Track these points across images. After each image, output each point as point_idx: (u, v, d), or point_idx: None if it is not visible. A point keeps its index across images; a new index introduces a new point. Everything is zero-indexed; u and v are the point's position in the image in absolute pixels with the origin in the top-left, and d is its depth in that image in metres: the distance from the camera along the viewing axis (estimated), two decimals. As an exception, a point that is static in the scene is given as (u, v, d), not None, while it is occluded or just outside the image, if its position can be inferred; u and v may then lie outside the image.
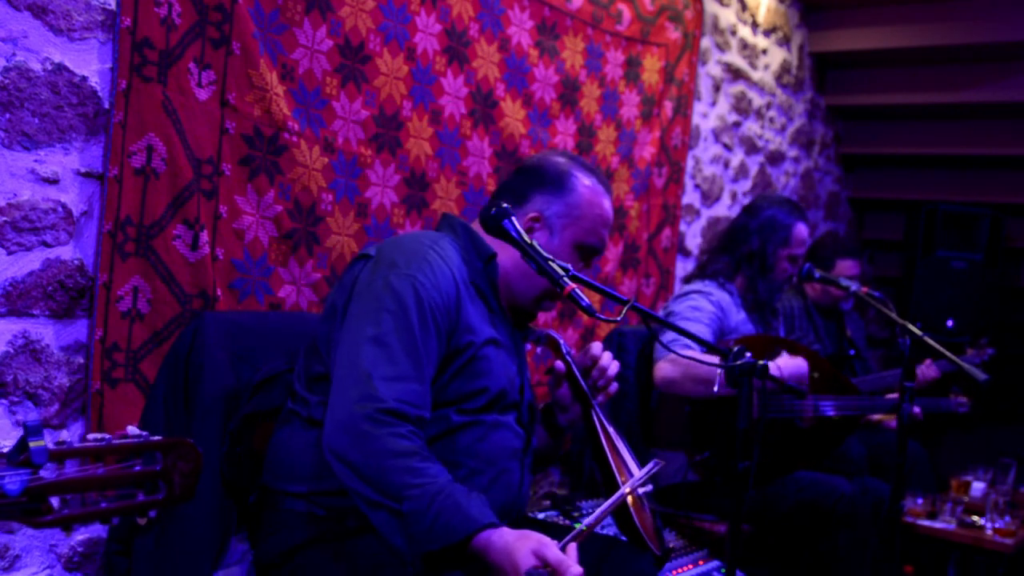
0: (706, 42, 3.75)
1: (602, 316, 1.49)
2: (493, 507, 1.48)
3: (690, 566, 2.18)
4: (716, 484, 2.65)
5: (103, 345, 1.82)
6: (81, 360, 1.81)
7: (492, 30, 2.67)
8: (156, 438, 0.95)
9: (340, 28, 2.23)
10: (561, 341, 1.88)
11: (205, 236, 1.97)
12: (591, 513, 2.36)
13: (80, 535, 1.86)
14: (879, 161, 5.38)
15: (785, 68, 4.48)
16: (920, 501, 3.31)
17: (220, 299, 2.02)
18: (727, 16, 3.90)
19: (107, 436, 0.93)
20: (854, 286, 2.80)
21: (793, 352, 2.68)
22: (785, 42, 4.45)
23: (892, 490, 2.34)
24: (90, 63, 1.77)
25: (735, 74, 4.03)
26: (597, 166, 2.84)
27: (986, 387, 2.48)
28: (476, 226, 1.78)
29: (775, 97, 4.44)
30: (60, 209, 1.75)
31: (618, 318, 1.56)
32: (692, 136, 3.73)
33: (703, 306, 2.74)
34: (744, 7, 4.03)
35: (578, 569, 1.33)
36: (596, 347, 1.87)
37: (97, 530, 1.87)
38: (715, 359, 1.80)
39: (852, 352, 3.59)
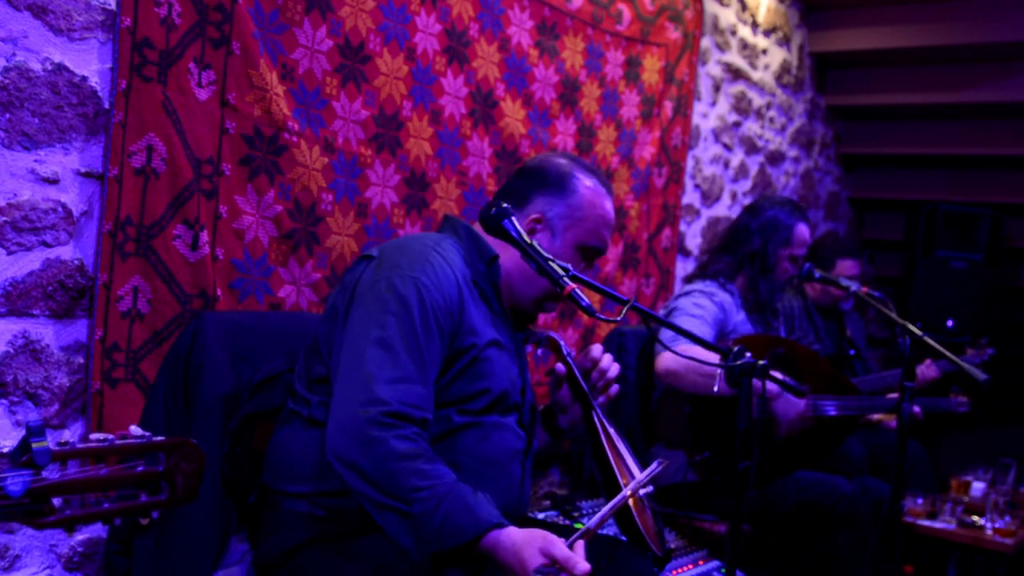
0: (706, 42, 3.75)
1: (602, 316, 1.49)
2: (494, 508, 1.48)
3: (690, 566, 2.18)
4: (716, 484, 2.65)
5: (103, 345, 1.82)
6: (81, 360, 1.81)
7: (492, 30, 2.66)
8: (159, 438, 0.95)
9: (340, 28, 2.23)
10: (561, 342, 1.88)
11: (205, 236, 1.96)
12: (591, 513, 2.36)
13: (80, 535, 1.86)
14: (879, 161, 5.38)
15: (785, 68, 4.48)
16: (920, 501, 3.30)
17: (220, 299, 2.02)
18: (727, 16, 3.89)
19: (109, 436, 0.93)
20: (854, 286, 2.80)
21: (793, 352, 2.68)
22: (785, 42, 4.45)
23: (892, 490, 2.34)
24: (90, 63, 1.77)
25: (735, 74, 4.03)
26: (598, 167, 2.83)
27: (986, 387, 2.47)
28: (477, 227, 1.78)
29: (775, 97, 4.44)
30: (60, 209, 1.75)
31: (618, 318, 1.56)
32: (692, 136, 3.73)
33: (706, 304, 2.75)
34: (744, 7, 4.03)
35: (586, 566, 1.34)
36: (596, 349, 1.87)
37: (97, 530, 1.87)
38: (715, 358, 1.80)
39: (852, 352, 3.59)
